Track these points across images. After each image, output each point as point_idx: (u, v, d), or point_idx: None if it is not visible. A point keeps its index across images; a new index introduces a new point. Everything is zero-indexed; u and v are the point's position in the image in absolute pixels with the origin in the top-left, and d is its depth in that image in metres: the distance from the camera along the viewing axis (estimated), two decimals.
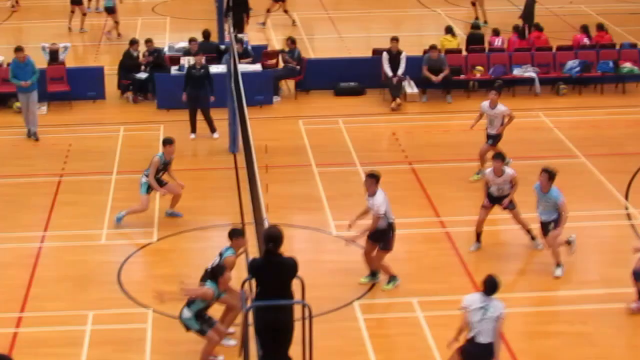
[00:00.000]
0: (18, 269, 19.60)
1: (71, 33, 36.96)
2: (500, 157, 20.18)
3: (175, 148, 21.32)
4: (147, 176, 21.04)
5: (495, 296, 14.14)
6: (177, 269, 19.66)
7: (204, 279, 15.80)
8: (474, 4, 37.81)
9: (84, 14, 37.54)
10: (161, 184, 21.37)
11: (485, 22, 37.12)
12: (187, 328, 15.53)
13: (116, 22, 37.26)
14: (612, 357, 16.46)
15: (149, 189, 21.10)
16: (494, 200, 20.07)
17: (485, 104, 23.24)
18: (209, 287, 15.13)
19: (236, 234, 16.44)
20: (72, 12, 37.47)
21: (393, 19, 38.72)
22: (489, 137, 23.23)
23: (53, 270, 19.84)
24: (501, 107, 23.04)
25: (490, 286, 14.19)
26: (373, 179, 17.94)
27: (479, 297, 14.24)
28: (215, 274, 15.26)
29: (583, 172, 24.11)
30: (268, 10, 38.02)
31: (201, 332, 15.54)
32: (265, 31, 37.00)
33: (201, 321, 15.50)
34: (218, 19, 33.24)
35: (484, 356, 14.13)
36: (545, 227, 18.69)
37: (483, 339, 14.11)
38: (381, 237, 17.84)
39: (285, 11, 38.50)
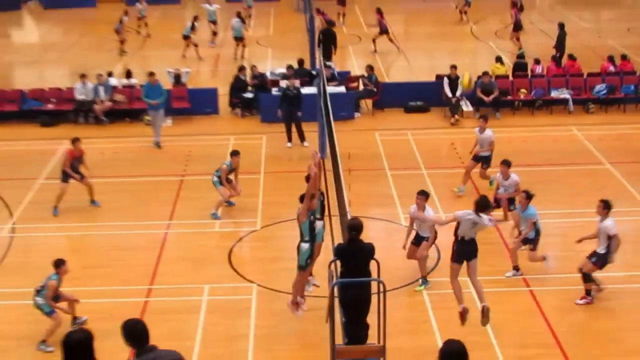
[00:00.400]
0: (148, 251, 19.83)
1: (189, 59, 37.14)
2: (506, 162, 20.58)
3: (240, 159, 21.97)
4: (218, 177, 21.54)
5: (483, 214, 15.15)
6: (275, 252, 19.78)
7: None
8: (517, 39, 37.65)
9: (196, 45, 37.71)
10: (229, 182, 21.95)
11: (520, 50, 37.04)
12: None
13: (244, 47, 37.61)
14: (631, 327, 16.29)
15: (221, 182, 21.50)
16: (476, 158, 22.22)
17: (476, 130, 22.69)
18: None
19: None
20: (187, 45, 37.71)
21: (452, 50, 38.51)
22: (478, 157, 22.57)
23: (176, 252, 20.03)
24: (488, 132, 22.47)
25: (481, 204, 15.29)
26: (423, 196, 17.94)
27: (471, 213, 15.20)
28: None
29: (608, 177, 23.85)
30: (374, 40, 38.03)
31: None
32: (348, 59, 36.94)
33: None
34: (310, 50, 33.31)
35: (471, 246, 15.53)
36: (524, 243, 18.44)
37: (467, 238, 15.47)
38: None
39: (390, 40, 38.47)
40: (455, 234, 15.45)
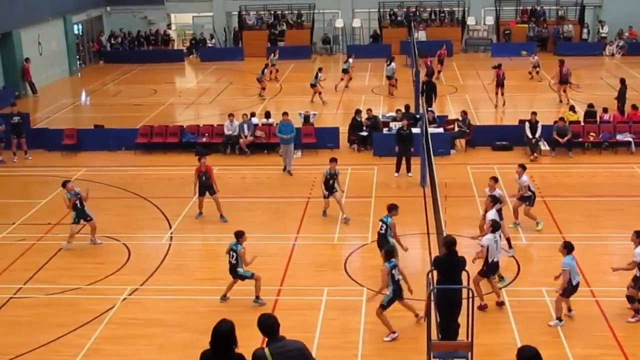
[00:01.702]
0: (280, 258, 19.98)
1: (315, 104, 37.41)
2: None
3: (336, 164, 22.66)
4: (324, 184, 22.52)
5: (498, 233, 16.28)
6: (381, 261, 19.64)
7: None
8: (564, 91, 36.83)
9: (319, 93, 37.86)
10: (332, 189, 22.51)
11: (561, 101, 36.45)
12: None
13: (320, 93, 37.72)
14: None
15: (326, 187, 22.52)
16: (522, 198, 21.41)
17: (516, 176, 21.59)
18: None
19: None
20: (314, 92, 37.95)
21: (531, 99, 37.95)
22: (523, 198, 21.50)
23: (302, 259, 20.10)
24: (524, 178, 21.41)
25: (496, 226, 16.26)
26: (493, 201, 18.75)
27: (491, 236, 16.21)
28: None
29: None
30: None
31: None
32: (446, 105, 36.67)
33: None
34: (415, 97, 33.15)
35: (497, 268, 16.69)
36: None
37: (497, 259, 16.49)
38: None
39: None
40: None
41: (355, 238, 21.24)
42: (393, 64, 40.07)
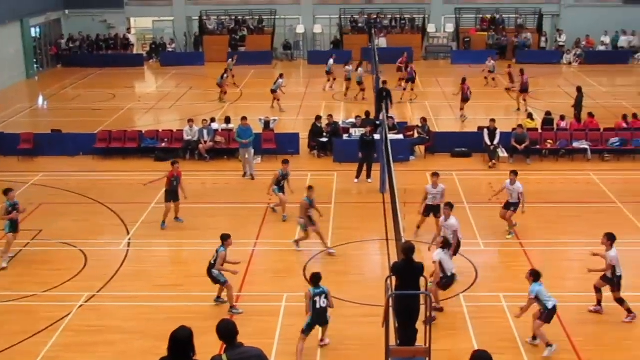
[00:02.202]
0: (239, 264, 19.83)
1: (275, 109, 37.43)
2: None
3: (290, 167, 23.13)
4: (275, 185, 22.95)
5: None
6: (343, 267, 19.70)
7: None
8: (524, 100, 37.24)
9: (278, 100, 37.81)
10: (282, 190, 23.13)
11: (519, 109, 36.72)
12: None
13: (278, 100, 37.72)
14: (638, 338, 15.95)
15: (278, 189, 23.01)
16: (507, 205, 21.52)
17: (507, 182, 21.71)
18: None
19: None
20: (274, 99, 37.88)
21: (490, 107, 38.28)
22: (509, 205, 21.69)
23: (262, 265, 20.11)
24: (518, 184, 21.59)
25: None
26: (448, 207, 18.81)
27: (441, 250, 16.41)
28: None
29: (619, 214, 23.43)
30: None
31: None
32: (406, 112, 36.85)
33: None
34: (376, 104, 33.27)
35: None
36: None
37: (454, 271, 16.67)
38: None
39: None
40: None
41: (315, 244, 21.20)
42: (361, 69, 40.25)
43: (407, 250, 13.82)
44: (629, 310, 16.70)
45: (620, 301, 16.68)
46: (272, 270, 19.61)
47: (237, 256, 20.28)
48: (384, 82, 34.81)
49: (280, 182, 23.00)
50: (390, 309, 13.28)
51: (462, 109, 35.79)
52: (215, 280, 17.28)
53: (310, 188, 21.11)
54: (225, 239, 17.37)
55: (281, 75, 38.83)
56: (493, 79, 43.17)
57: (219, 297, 17.53)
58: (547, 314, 15.40)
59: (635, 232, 21.89)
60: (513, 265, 19.77)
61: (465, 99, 35.71)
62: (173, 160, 23.11)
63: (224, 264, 17.22)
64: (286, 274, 19.37)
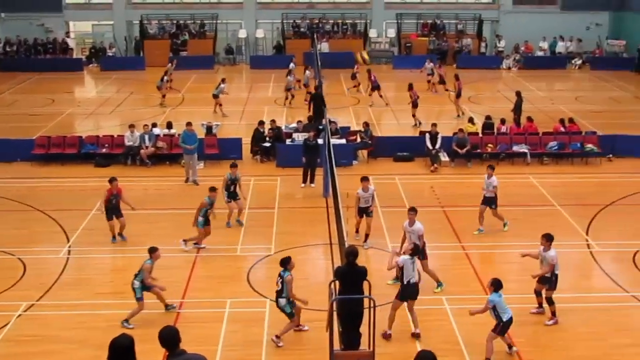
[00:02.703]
0: (182, 269, 19.84)
1: (218, 114, 37.26)
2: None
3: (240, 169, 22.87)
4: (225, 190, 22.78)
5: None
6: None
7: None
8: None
9: (220, 105, 37.58)
10: (234, 196, 22.97)
11: (462, 114, 36.98)
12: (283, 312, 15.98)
13: (220, 105, 37.44)
14: (577, 338, 16.17)
15: (228, 194, 22.91)
16: (485, 201, 22.10)
17: (485, 177, 22.30)
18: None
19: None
20: (216, 104, 37.63)
21: (433, 112, 38.58)
22: (485, 200, 22.23)
23: (204, 270, 19.99)
24: (493, 179, 22.10)
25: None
26: (414, 212, 18.57)
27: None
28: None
29: (557, 216, 23.82)
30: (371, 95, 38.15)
31: (290, 315, 15.91)
32: (349, 117, 36.96)
33: (291, 306, 15.87)
34: (314, 109, 33.29)
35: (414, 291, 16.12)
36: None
37: (414, 280, 16.04)
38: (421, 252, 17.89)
39: (381, 96, 39.33)
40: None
41: (258, 249, 21.20)
42: (308, 71, 40.32)
43: (350, 254, 13.85)
44: (553, 314, 16.94)
45: (550, 301, 16.90)
46: (215, 277, 19.51)
47: (179, 261, 20.19)
48: (316, 88, 34.85)
49: (229, 187, 22.81)
50: (334, 314, 13.30)
51: (414, 115, 36.00)
52: (134, 290, 16.81)
53: (213, 189, 21.23)
54: (152, 251, 17.02)
55: (223, 80, 38.67)
56: (433, 84, 43.50)
57: (167, 305, 17.35)
58: (501, 327, 15.24)
59: (574, 234, 22.27)
60: (455, 268, 19.95)
61: (415, 105, 35.99)
62: (111, 178, 22.05)
63: (145, 288, 16.84)
64: (230, 280, 19.28)
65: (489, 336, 15.34)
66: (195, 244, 21.14)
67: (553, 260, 16.77)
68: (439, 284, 18.48)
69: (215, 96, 37.58)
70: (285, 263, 15.98)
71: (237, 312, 17.50)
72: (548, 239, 17.00)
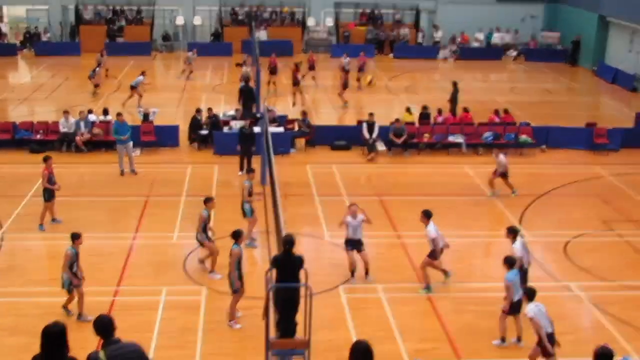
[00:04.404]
0: (117, 257, 19.68)
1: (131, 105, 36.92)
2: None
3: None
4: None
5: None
6: (223, 260, 19.54)
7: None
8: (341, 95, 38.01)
9: (140, 96, 36.52)
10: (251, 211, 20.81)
11: (346, 103, 37.48)
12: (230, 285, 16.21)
13: (137, 95, 36.74)
14: (509, 334, 16.46)
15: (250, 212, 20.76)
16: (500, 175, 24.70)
17: (493, 156, 25.07)
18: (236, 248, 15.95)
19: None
20: (132, 94, 36.90)
21: (370, 101, 38.75)
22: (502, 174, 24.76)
23: (140, 258, 19.85)
24: (501, 157, 24.60)
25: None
26: (355, 205, 18.36)
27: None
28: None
29: (492, 206, 24.15)
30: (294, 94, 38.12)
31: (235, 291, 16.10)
32: (287, 106, 36.95)
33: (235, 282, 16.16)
34: (256, 98, 33.21)
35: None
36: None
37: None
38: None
39: (313, 78, 39.44)
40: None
41: (195, 237, 21.09)
42: (245, 67, 39.89)
43: (287, 242, 13.86)
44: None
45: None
46: (151, 264, 19.39)
47: (115, 248, 20.00)
48: (247, 80, 34.74)
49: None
50: (271, 302, 13.32)
51: (340, 94, 36.58)
52: (63, 285, 16.35)
53: (209, 200, 19.55)
54: (75, 238, 16.35)
55: (143, 73, 37.56)
56: (358, 80, 42.88)
57: (80, 313, 16.51)
58: (512, 307, 15.54)
59: (506, 224, 22.46)
60: (390, 257, 20.12)
61: (344, 85, 37.25)
62: (45, 156, 21.79)
63: (71, 267, 16.22)
64: (166, 268, 19.19)
65: (500, 316, 15.70)
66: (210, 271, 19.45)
67: (517, 252, 16.55)
68: (427, 287, 18.14)
69: (133, 87, 36.69)
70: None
71: (173, 300, 17.44)
72: (511, 231, 16.96)
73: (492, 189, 24.97)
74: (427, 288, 18.03)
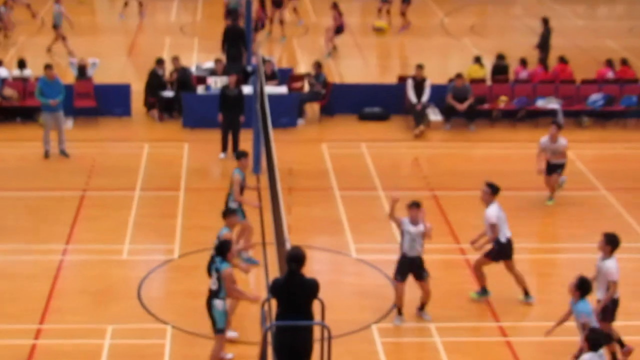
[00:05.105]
0: (39, 281, 19.65)
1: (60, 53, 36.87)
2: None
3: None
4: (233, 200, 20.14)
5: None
6: (197, 285, 19.58)
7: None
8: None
9: (63, 38, 36.81)
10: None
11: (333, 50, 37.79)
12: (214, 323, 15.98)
13: (60, 38, 36.72)
14: None
15: (244, 212, 20.40)
16: (551, 168, 23.64)
17: (545, 138, 23.60)
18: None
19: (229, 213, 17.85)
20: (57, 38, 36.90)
21: (418, 47, 38.66)
22: (553, 166, 23.66)
23: (74, 283, 19.91)
24: (562, 141, 23.52)
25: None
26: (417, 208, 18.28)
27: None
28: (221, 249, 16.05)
29: (603, 206, 24.06)
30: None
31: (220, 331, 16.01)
32: (292, 54, 36.92)
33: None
34: (247, 42, 33.20)
35: None
36: None
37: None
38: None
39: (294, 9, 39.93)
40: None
41: (154, 251, 21.15)
42: None
43: (292, 259, 13.80)
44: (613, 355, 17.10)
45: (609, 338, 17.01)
46: (90, 291, 19.40)
47: (37, 268, 20.05)
48: (235, 16, 34.66)
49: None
50: (269, 348, 13.30)
51: (330, 39, 36.92)
52: None
53: (242, 155, 20.70)
54: None
55: (58, 0, 37.40)
56: (388, 12, 43.05)
57: None
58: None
59: (627, 232, 22.18)
60: (448, 281, 20.05)
61: (338, 30, 37.15)
62: None
63: None
64: (112, 297, 19.20)
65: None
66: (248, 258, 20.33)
67: (612, 276, 16.51)
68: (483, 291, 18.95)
69: (56, 26, 36.52)
70: (224, 250, 16.11)
71: (123, 344, 17.44)
72: (609, 241, 16.80)
73: (551, 192, 24.26)
74: (483, 292, 18.55)
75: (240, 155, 20.91)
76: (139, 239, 21.64)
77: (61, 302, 18.97)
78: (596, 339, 14.19)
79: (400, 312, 18.33)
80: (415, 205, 18.05)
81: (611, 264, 16.53)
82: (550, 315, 17.90)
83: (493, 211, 18.47)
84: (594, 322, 15.32)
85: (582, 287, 15.47)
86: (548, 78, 31.75)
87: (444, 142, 28.53)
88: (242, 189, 20.38)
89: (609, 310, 16.57)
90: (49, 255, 20.81)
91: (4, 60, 31.68)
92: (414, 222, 17.97)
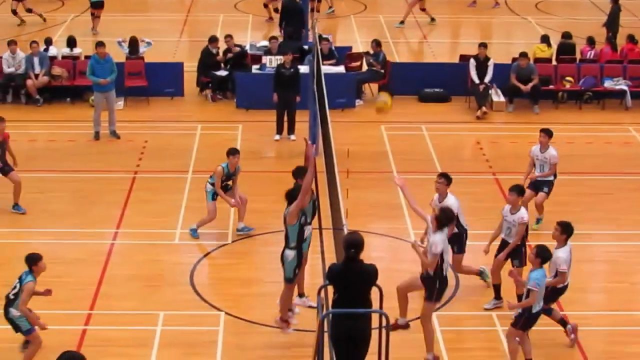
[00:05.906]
0: (89, 266, 19.81)
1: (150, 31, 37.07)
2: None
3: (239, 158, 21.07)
4: (212, 185, 20.78)
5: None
6: (250, 272, 19.70)
7: None
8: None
9: (97, 17, 37.08)
10: (226, 191, 21.17)
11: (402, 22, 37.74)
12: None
13: (97, 17, 36.71)
14: None
15: (215, 195, 20.86)
16: (535, 184, 21.28)
17: (534, 148, 21.66)
18: None
19: None
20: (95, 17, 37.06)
21: (481, 25, 38.51)
22: (538, 183, 21.50)
23: (124, 268, 20.01)
24: (552, 152, 21.31)
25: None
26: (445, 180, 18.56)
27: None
28: None
29: None
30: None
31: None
32: (350, 33, 36.86)
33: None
34: (305, 19, 33.15)
35: None
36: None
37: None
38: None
39: (423, 9, 39.00)
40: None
41: (208, 236, 21.18)
42: None
43: (350, 245, 13.81)
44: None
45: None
46: (141, 277, 19.52)
47: (86, 254, 20.18)
48: None
49: (223, 182, 21.27)
50: (326, 335, 13.33)
51: (423, 9, 36.75)
52: (13, 326, 16.09)
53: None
54: (33, 261, 15.93)
55: None
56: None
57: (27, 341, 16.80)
58: None
59: None
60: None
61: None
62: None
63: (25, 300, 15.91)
64: (163, 282, 19.31)
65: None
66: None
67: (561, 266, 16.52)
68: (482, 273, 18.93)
69: (94, 3, 36.47)
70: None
71: (175, 331, 17.54)
72: (564, 230, 16.83)
73: (539, 213, 21.93)
74: (482, 273, 18.90)
75: (230, 152, 21.06)
76: (191, 224, 21.69)
77: (111, 287, 19.09)
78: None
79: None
80: (515, 190, 18.08)
81: (562, 254, 16.51)
82: (616, 304, 17.87)
83: (452, 201, 18.04)
84: (539, 295, 15.55)
85: (541, 255, 15.73)
86: (616, 58, 31.53)
87: (506, 124, 28.44)
88: (223, 182, 20.80)
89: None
90: (98, 239, 20.95)
91: (54, 38, 31.84)
92: (513, 208, 18.00)
